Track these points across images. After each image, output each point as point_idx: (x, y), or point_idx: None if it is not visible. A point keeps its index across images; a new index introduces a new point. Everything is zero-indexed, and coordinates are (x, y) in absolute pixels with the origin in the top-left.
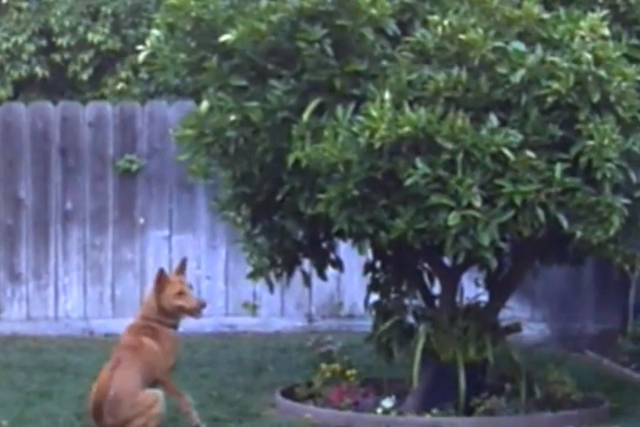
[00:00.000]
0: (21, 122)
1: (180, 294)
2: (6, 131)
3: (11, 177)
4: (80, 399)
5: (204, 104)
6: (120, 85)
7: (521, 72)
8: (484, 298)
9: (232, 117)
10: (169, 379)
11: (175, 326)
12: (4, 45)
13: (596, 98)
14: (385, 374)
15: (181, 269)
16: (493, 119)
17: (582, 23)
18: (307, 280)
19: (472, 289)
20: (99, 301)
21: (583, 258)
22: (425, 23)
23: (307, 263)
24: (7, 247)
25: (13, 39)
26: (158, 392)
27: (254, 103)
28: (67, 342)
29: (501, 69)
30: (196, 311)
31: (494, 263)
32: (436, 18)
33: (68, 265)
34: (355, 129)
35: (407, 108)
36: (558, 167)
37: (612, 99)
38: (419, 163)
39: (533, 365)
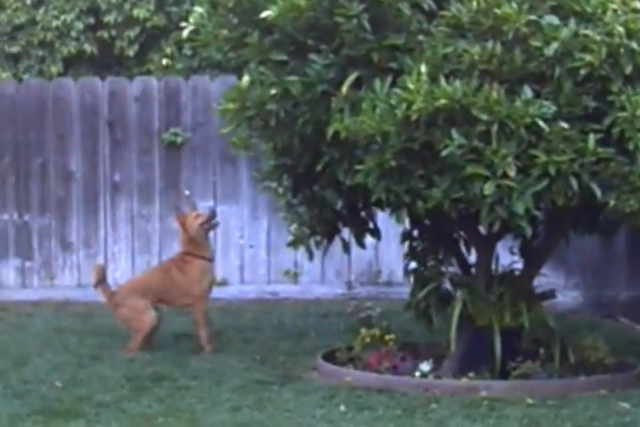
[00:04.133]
0: (71, 97)
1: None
2: (57, 106)
3: (61, 150)
4: (129, 363)
5: (246, 78)
6: (165, 61)
7: (554, 45)
8: (519, 266)
9: (273, 91)
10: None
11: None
12: (54, 23)
13: (628, 70)
14: (422, 338)
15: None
16: (527, 91)
17: None
18: (346, 247)
19: (507, 257)
20: (146, 268)
21: (614, 228)
22: None
23: (346, 232)
24: (59, 218)
25: (63, 17)
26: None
27: (294, 77)
28: None
29: (535, 43)
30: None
31: (529, 232)
32: None
33: (117, 234)
34: (392, 101)
35: (443, 81)
36: (591, 138)
37: None
38: (454, 134)
39: (567, 330)
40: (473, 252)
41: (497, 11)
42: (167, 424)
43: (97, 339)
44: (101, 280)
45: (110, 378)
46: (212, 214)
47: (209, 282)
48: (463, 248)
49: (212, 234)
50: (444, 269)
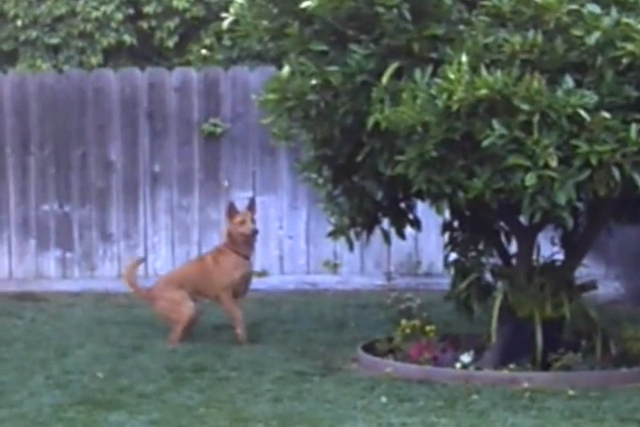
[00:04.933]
0: (111, 88)
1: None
2: (96, 96)
3: (101, 141)
4: (170, 354)
5: (286, 69)
6: (204, 52)
7: (596, 34)
8: (560, 256)
9: (313, 81)
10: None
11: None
12: (94, 14)
13: None
14: (463, 330)
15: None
16: (569, 81)
17: None
18: (386, 237)
19: (548, 248)
20: (186, 259)
21: None
22: None
23: (386, 223)
24: (99, 208)
25: (102, 8)
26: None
27: (334, 67)
28: None
29: (577, 32)
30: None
31: (570, 222)
32: None
33: (157, 225)
34: (432, 92)
35: (484, 71)
36: (634, 127)
37: None
38: (495, 124)
39: (609, 322)
40: (514, 242)
41: (538, 0)
42: (208, 415)
43: (138, 330)
44: (132, 277)
45: (151, 369)
46: (250, 203)
47: (241, 276)
48: (504, 239)
49: None
50: (484, 260)
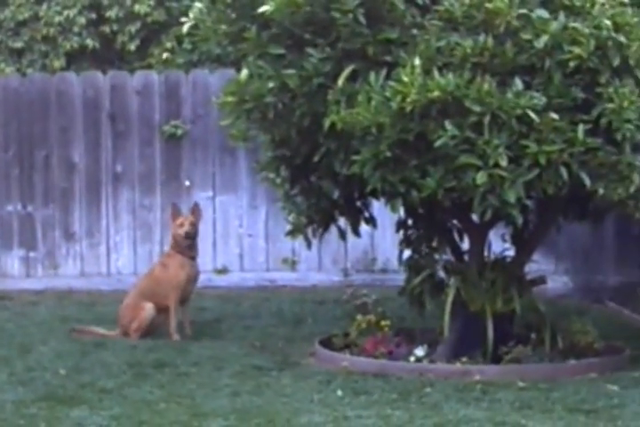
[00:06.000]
0: (74, 90)
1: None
2: (60, 99)
3: (64, 142)
4: (132, 349)
5: (244, 72)
6: (165, 55)
7: (544, 38)
8: (511, 253)
9: (271, 84)
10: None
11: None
12: (57, 19)
13: (615, 62)
14: (417, 324)
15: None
16: (518, 83)
17: None
18: (342, 235)
19: (499, 244)
20: (148, 258)
21: (602, 216)
22: None
23: (342, 221)
24: (62, 208)
25: (65, 13)
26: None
27: (292, 70)
28: (119, 296)
29: (526, 36)
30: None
31: (520, 220)
32: None
33: (119, 224)
34: (387, 94)
35: (436, 74)
36: (580, 128)
37: (632, 63)
38: (448, 125)
39: (557, 315)
40: (466, 239)
41: (488, 5)
42: (168, 410)
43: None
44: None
45: (113, 365)
46: (193, 207)
47: (187, 275)
48: (456, 236)
49: (212, 223)
50: (437, 256)
